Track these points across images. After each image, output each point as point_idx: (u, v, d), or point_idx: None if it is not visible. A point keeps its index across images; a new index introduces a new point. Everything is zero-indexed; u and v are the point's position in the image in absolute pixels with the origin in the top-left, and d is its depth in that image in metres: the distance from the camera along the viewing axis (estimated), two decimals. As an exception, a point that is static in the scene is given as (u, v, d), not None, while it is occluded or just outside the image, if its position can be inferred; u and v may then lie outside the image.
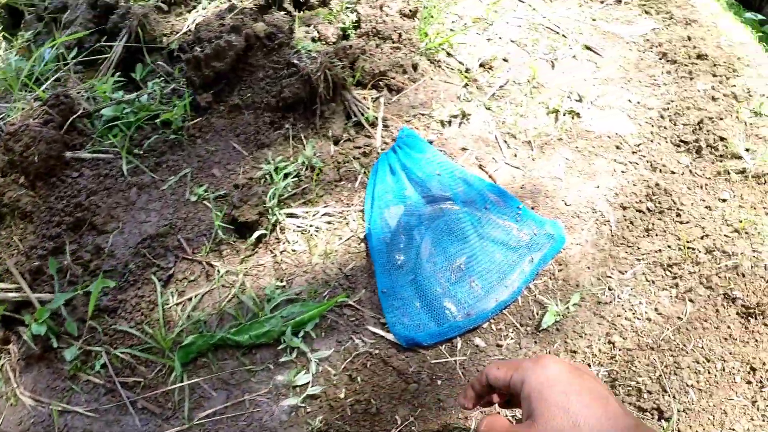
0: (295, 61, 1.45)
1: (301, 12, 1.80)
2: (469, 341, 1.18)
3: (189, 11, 1.90)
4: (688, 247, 1.27)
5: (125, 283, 1.31)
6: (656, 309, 1.20)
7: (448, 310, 1.19)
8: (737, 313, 1.17)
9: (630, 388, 1.11)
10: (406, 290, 1.22)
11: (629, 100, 1.61)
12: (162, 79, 1.68)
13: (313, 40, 1.65)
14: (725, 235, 1.27)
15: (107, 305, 1.27)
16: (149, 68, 1.72)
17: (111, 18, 1.77)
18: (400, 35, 1.60)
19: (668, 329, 1.17)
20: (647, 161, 1.47)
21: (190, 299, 1.27)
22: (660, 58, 1.72)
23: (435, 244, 1.27)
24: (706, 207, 1.34)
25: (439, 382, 1.13)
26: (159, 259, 1.33)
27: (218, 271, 1.29)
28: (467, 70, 1.66)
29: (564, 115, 1.56)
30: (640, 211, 1.36)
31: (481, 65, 1.68)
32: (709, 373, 1.11)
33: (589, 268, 1.28)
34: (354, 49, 1.51)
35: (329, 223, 1.34)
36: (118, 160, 1.49)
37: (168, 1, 1.92)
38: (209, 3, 1.91)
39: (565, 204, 1.38)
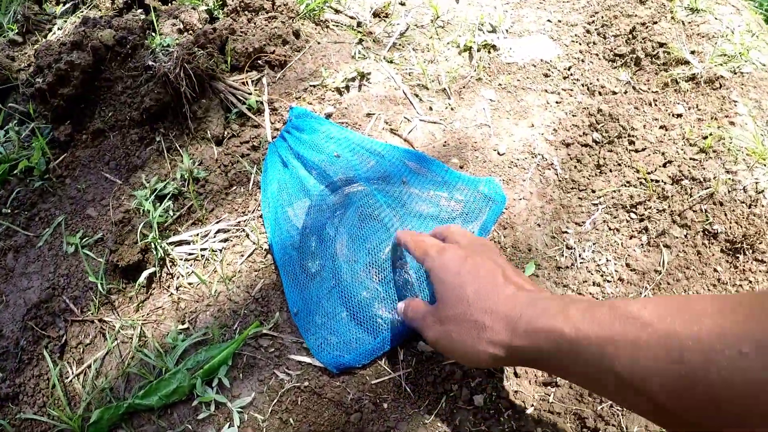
0: (151, 63, 1.22)
1: (168, 4, 1.57)
2: (412, 348, 0.97)
3: (45, 36, 1.67)
4: (651, 180, 1.06)
5: (21, 364, 1.10)
6: (627, 264, 1.00)
7: (380, 317, 0.97)
8: (722, 251, 0.96)
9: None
10: (326, 303, 1.00)
11: (549, 20, 1.41)
12: (16, 122, 1.44)
13: (180, 31, 1.41)
14: (691, 158, 1.06)
15: (7, 392, 1.07)
16: (4, 113, 1.48)
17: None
18: (273, 2, 1.37)
19: (646, 288, 0.96)
20: (582, 85, 1.26)
21: (90, 366, 1.06)
22: (574, -34, 1.51)
23: (351, 240, 1.05)
24: (661, 127, 1.13)
25: (385, 405, 0.92)
26: (48, 328, 1.12)
27: (113, 327, 1.08)
28: (359, 24, 1.44)
29: (479, 51, 1.35)
30: (586, 145, 1.16)
31: (374, 15, 1.46)
32: (703, 334, 0.90)
33: (539, 225, 1.07)
34: (219, 30, 1.28)
35: (225, 240, 1.12)
36: (-14, 225, 1.27)
37: (22, 31, 1.68)
38: (65, 22, 1.67)
39: (498, 154, 1.17)
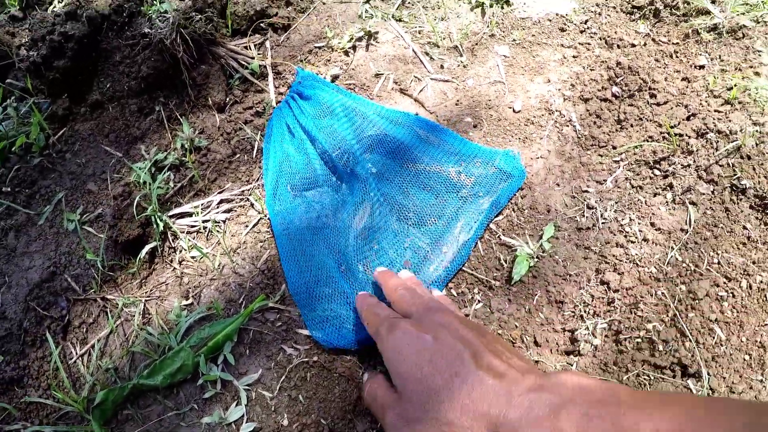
0: (147, 30, 1.17)
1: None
2: (425, 316, 0.91)
3: (47, 9, 1.62)
4: (675, 134, 0.99)
5: (24, 346, 1.06)
6: (652, 223, 0.93)
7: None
8: (751, 207, 0.90)
9: (639, 342, 0.84)
10: (336, 273, 0.95)
11: (564, -28, 1.33)
12: (16, 98, 1.39)
13: (181, -1, 1.35)
14: (716, 111, 1.00)
15: (12, 376, 1.03)
16: (3, 90, 1.44)
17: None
18: (274, -36, 1.31)
19: (672, 249, 0.90)
20: (600, 39, 1.19)
21: (93, 346, 1.02)
22: None
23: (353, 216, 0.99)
24: (684, 79, 1.07)
25: (398, 378, 0.87)
26: (50, 308, 1.08)
27: (116, 305, 1.04)
28: (365, -17, 1.38)
29: (491, 6, 1.28)
30: (605, 99, 1.09)
31: (381, -27, 1.39)
32: (733, 296, 0.83)
33: (558, 185, 1.01)
34: (218, -6, 1.23)
35: (229, 210, 1.07)
36: (-14, 205, 1.23)
37: (23, 6, 1.63)
38: (64, -5, 1.62)
39: (514, 111, 1.11)
